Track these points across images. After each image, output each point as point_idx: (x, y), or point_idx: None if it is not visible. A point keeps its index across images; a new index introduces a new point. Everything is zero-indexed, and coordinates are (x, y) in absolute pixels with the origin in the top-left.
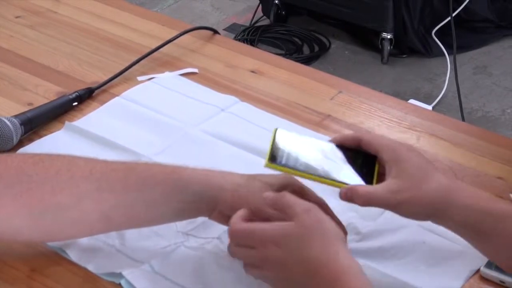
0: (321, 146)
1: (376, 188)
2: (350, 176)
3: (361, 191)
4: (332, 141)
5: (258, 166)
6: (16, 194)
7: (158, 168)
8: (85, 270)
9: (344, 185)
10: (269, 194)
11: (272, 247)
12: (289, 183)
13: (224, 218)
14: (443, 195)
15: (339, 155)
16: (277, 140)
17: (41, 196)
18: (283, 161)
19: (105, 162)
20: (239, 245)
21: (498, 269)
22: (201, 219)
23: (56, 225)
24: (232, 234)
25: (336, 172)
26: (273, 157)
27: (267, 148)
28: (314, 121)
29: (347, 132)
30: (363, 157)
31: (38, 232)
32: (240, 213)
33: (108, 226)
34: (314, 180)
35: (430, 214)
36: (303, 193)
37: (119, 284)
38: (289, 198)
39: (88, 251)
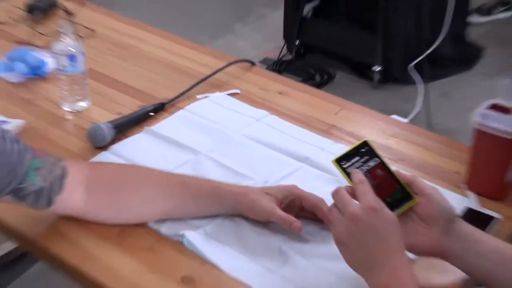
0: (381, 171)
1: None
2: None
3: None
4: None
5: (280, 161)
6: (108, 194)
7: (205, 184)
8: (157, 232)
9: None
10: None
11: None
12: (290, 193)
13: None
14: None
15: (386, 184)
16: (357, 149)
17: (124, 197)
18: (344, 166)
19: (168, 175)
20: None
21: None
22: None
23: (131, 217)
24: (336, 195)
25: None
26: (341, 159)
27: (291, 149)
28: (323, 129)
29: (349, 138)
30: (402, 194)
31: (117, 220)
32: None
33: (167, 218)
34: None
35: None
36: (302, 198)
37: (182, 242)
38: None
39: (161, 219)
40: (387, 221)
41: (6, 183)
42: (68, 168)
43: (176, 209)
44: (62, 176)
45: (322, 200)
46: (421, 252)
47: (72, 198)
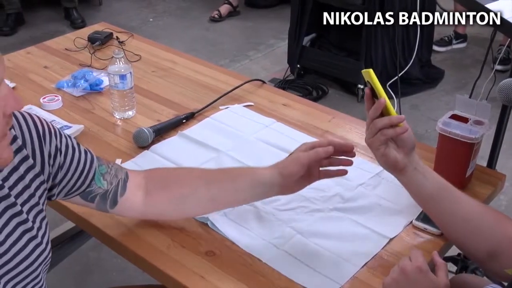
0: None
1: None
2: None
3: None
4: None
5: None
6: (161, 190)
7: (239, 169)
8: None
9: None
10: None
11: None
12: (304, 148)
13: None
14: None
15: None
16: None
17: (174, 190)
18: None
19: (207, 168)
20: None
21: (423, 220)
22: None
23: (185, 207)
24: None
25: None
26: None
27: (293, 150)
28: (318, 133)
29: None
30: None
31: (175, 213)
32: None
33: (215, 207)
34: (381, 94)
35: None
36: (314, 145)
37: (206, 223)
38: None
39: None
40: (429, 282)
41: (78, 186)
42: (129, 173)
43: (220, 192)
44: (125, 180)
45: (329, 145)
46: (387, 162)
47: (134, 199)
